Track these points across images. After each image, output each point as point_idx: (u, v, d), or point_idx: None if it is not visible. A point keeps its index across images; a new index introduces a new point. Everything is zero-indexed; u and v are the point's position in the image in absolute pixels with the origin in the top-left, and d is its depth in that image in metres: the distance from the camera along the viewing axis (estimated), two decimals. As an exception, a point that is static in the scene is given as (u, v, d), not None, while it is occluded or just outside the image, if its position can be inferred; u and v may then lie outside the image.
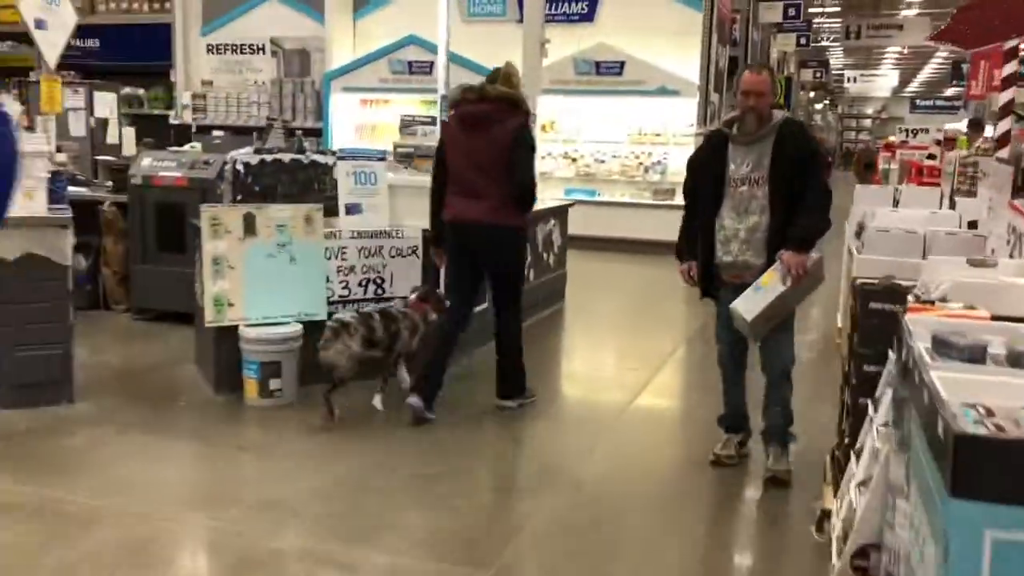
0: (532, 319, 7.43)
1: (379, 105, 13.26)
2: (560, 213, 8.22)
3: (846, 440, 3.50)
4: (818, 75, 28.11)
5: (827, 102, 32.00)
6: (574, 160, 12.89)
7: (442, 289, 5.08)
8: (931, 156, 11.40)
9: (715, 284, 4.34)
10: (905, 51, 40.16)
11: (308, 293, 5.08)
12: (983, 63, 32.26)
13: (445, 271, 5.03)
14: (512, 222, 4.79)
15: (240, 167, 6.59)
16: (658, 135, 12.52)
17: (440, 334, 4.89)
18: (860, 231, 5.71)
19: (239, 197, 6.41)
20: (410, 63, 12.63)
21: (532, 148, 4.89)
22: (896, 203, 6.95)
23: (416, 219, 5.48)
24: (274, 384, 4.91)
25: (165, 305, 6.66)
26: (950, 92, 48.65)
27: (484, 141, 4.68)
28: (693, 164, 4.51)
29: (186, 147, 7.30)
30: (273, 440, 4.62)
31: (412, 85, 12.57)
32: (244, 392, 4.99)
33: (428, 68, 12.50)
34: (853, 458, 3.26)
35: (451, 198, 4.82)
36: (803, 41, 21.05)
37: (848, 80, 38.63)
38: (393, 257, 5.35)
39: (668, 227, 11.96)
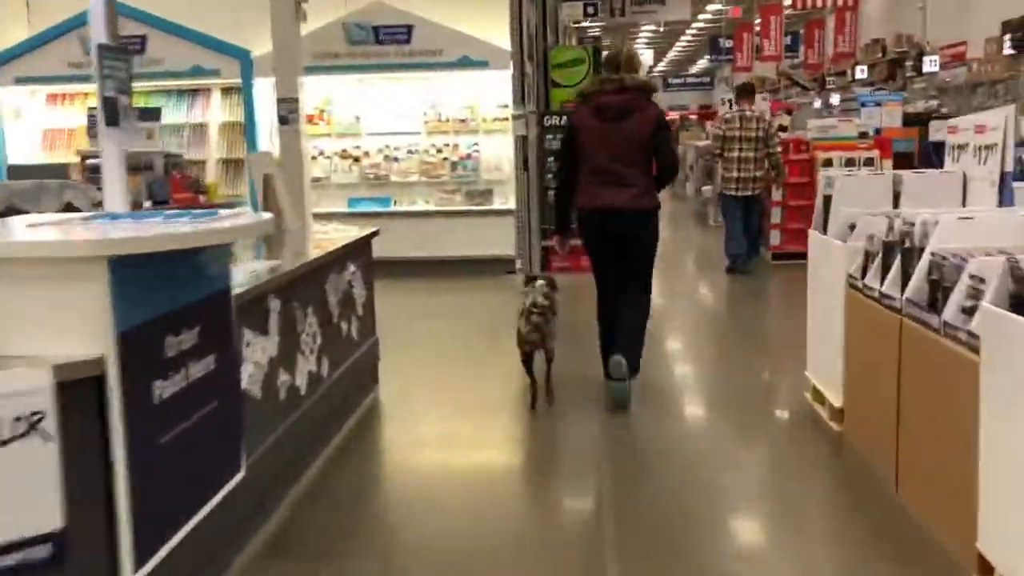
0: (338, 438, 4.32)
1: (73, 100, 9.51)
2: (360, 253, 5.08)
3: None
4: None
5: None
6: (356, 160, 9.73)
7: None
8: (863, 134, 9.34)
9: None
10: (661, 29, 40.29)
11: None
12: (746, 35, 32.28)
13: (590, 257, 5.05)
14: (654, 205, 4.90)
15: None
16: (464, 120, 9.63)
17: (603, 320, 5.01)
18: (935, 267, 3.09)
19: None
20: (109, 37, 8.96)
21: (671, 130, 5.16)
22: (897, 197, 4.47)
23: (43, 337, 2.24)
24: None
25: None
26: (697, 68, 49.88)
27: (626, 130, 4.74)
28: None
29: None
30: None
31: (115, 68, 8.92)
32: None
33: (139, 44, 9.01)
34: None
35: (592, 188, 4.83)
36: (591, 10, 19.00)
37: (607, 62, 38.09)
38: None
39: (488, 239, 9.22)
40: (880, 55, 25.15)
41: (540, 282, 5.01)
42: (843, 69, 25.74)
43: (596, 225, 4.86)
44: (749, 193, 9.11)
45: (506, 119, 9.39)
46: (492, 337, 6.35)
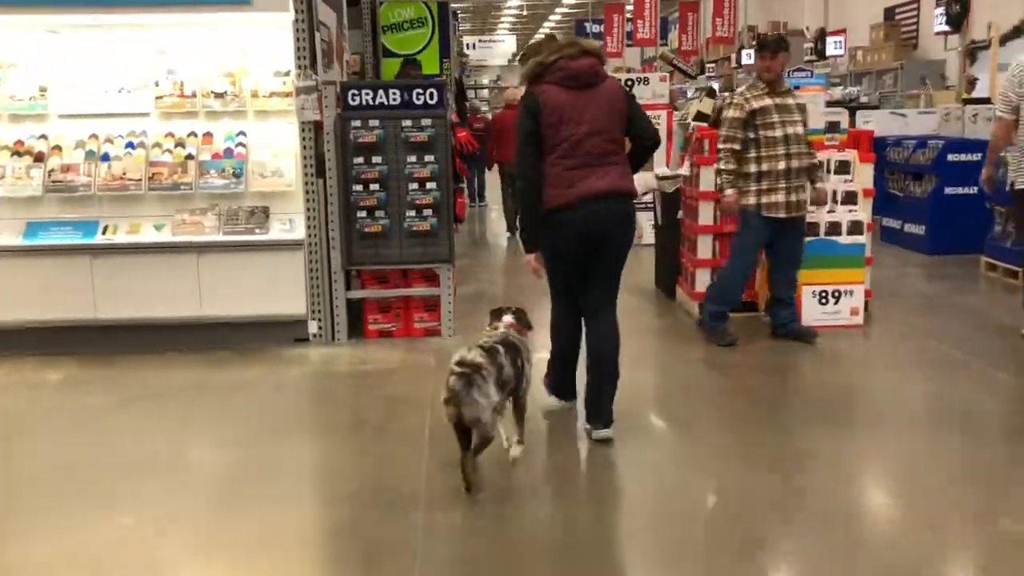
0: None
1: None
2: None
3: None
4: (456, 31, 23.28)
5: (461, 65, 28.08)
6: (39, 159, 5.91)
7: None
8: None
9: None
10: (524, 12, 37.54)
11: None
12: (617, 17, 29.29)
13: (556, 269, 4.25)
14: (634, 187, 4.27)
15: None
16: (221, 95, 5.96)
17: (567, 339, 4.41)
18: None
19: None
20: None
21: None
22: None
23: None
24: None
25: None
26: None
27: (604, 99, 4.12)
28: None
29: None
30: None
31: None
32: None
33: None
34: None
35: (570, 174, 4.05)
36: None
37: (468, 47, 35.25)
38: None
39: (263, 288, 5.74)
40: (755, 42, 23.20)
41: (507, 317, 4.07)
42: (727, 55, 23.61)
43: (575, 223, 4.08)
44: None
45: (289, 94, 5.82)
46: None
